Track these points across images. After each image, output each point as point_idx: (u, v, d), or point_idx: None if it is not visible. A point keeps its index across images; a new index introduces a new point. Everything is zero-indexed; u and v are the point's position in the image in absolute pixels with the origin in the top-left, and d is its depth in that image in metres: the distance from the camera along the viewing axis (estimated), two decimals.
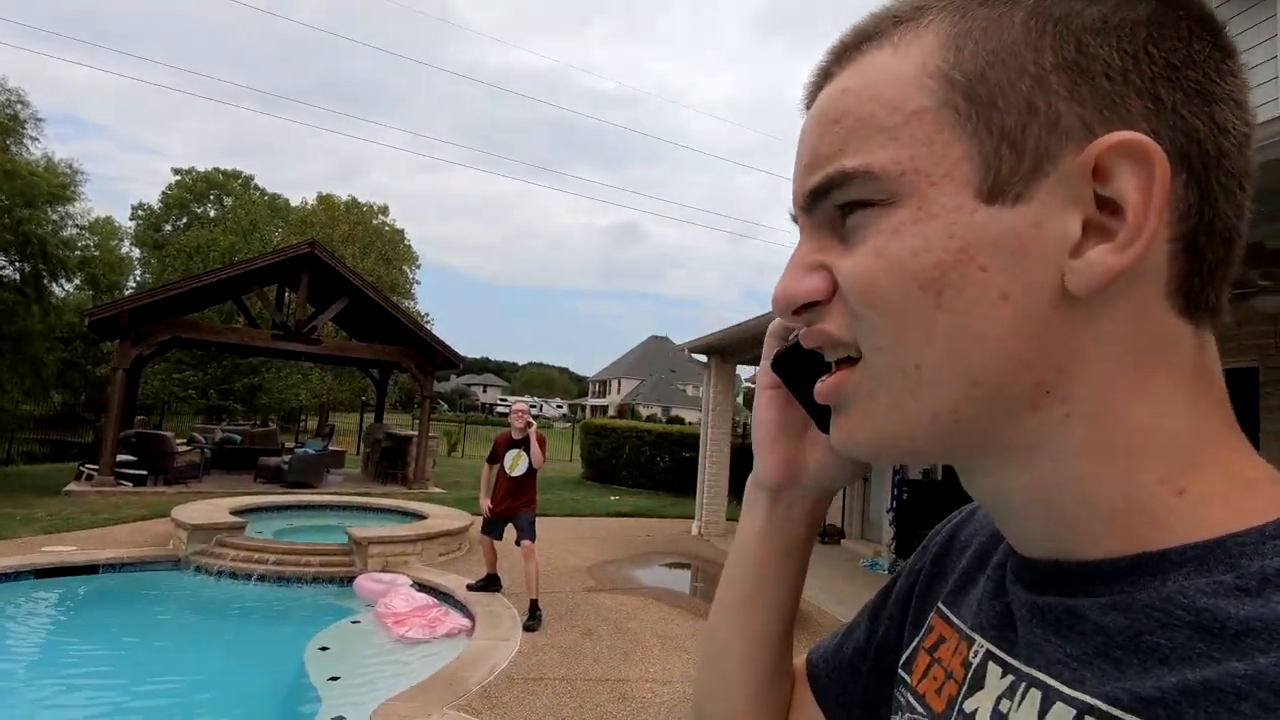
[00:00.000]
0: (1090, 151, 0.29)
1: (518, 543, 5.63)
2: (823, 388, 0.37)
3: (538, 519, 5.88)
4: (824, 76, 0.37)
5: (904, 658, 0.46)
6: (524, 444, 5.67)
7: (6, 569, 5.77)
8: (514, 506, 5.69)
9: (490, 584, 5.96)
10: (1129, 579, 0.29)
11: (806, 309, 0.36)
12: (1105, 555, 0.31)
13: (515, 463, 5.67)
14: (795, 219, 0.38)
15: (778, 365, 0.45)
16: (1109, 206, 0.29)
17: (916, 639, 0.45)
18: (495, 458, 5.82)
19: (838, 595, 6.61)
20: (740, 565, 0.51)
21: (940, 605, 0.45)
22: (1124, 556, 0.30)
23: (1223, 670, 0.25)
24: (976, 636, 0.38)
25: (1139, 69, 0.30)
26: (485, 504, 5.79)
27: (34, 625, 5.37)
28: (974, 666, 0.37)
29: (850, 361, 0.35)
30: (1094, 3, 0.30)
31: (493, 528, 5.81)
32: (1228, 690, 0.24)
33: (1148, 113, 0.29)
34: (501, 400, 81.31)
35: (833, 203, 0.34)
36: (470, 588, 5.94)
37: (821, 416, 0.42)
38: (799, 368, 0.43)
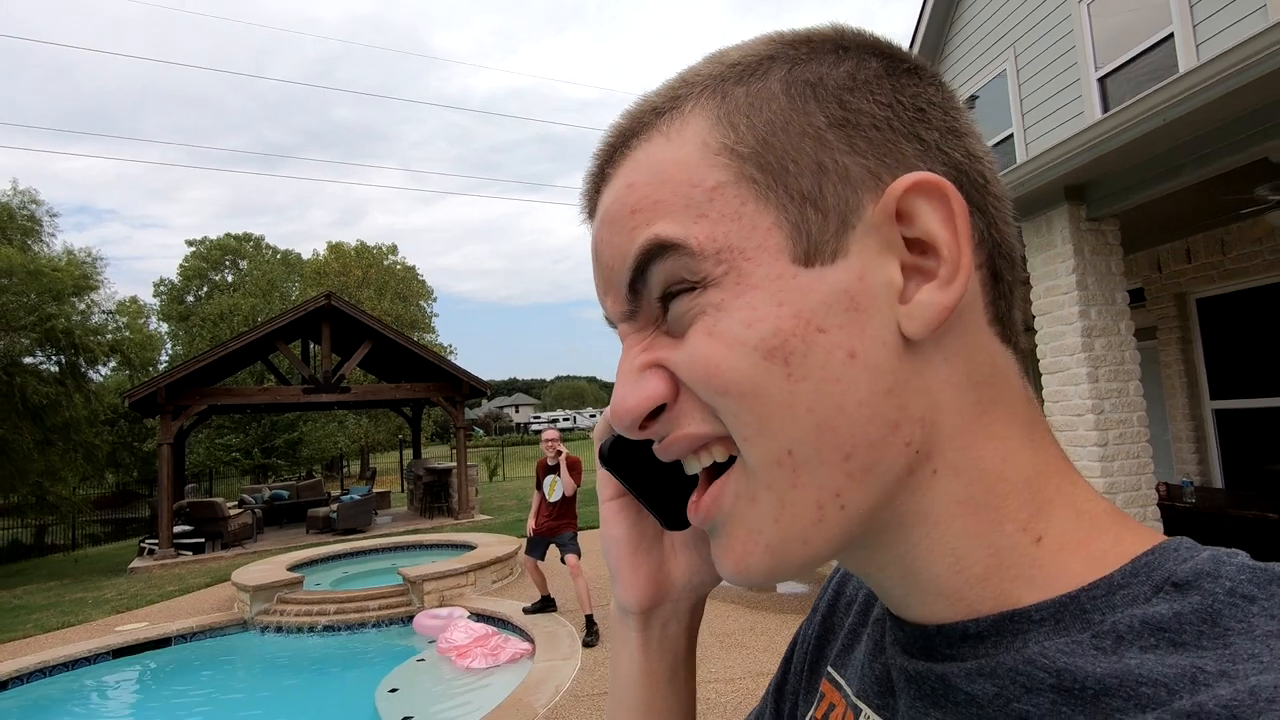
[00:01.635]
0: (889, 197, 0.30)
1: (563, 560, 5.79)
2: (700, 509, 0.33)
3: (581, 533, 6.00)
4: (599, 180, 0.36)
5: None
6: (558, 470, 5.87)
7: (86, 653, 6.00)
8: (555, 527, 5.87)
9: (545, 606, 6.04)
10: (993, 640, 0.29)
11: (653, 419, 0.33)
12: (970, 616, 0.30)
13: (552, 489, 5.88)
14: (611, 323, 0.36)
15: (610, 461, 0.38)
16: (918, 247, 0.30)
17: (811, 709, 0.44)
18: (539, 483, 6.04)
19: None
20: (625, 704, 0.45)
21: (829, 668, 0.43)
22: (986, 617, 0.30)
23: None
24: (863, 707, 0.37)
25: (897, 116, 0.31)
26: (530, 525, 5.99)
27: (117, 704, 5.58)
28: None
29: (720, 469, 0.32)
30: (836, 65, 0.32)
31: (535, 548, 5.97)
32: None
33: (919, 153, 0.31)
34: (535, 418, 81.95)
35: (653, 290, 0.32)
36: (526, 611, 6.03)
37: (668, 514, 0.38)
38: (632, 459, 0.37)
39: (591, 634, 5.35)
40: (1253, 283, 5.25)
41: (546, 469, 5.93)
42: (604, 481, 0.43)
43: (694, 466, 0.33)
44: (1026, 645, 0.28)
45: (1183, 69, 4.88)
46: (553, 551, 5.91)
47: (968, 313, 0.31)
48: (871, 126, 0.31)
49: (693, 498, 0.34)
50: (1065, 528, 0.30)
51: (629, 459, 0.38)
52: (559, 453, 5.90)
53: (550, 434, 6.05)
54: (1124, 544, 0.29)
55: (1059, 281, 4.23)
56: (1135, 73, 5.91)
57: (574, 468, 5.88)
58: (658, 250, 0.31)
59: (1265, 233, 4.81)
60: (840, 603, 0.47)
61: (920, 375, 0.30)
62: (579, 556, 5.75)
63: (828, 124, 0.31)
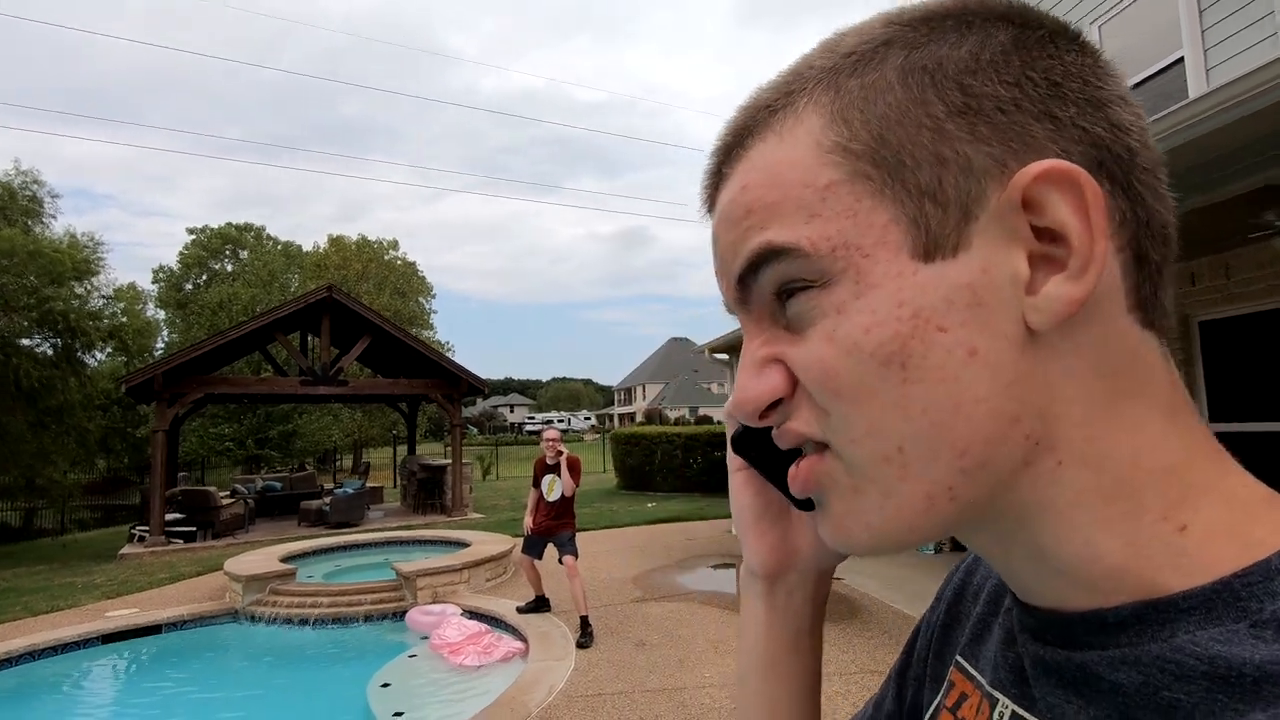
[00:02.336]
0: (1014, 188, 0.28)
1: (560, 560, 5.78)
2: (796, 480, 0.34)
3: (578, 534, 6.02)
4: (717, 178, 0.36)
5: (927, 717, 0.44)
6: (558, 469, 5.87)
7: (76, 637, 5.96)
8: (553, 526, 5.87)
9: (540, 605, 6.03)
10: (1135, 629, 0.28)
11: (772, 409, 0.33)
12: (1109, 604, 0.29)
13: (550, 488, 5.88)
14: (732, 312, 0.37)
15: (739, 447, 0.41)
16: (1048, 235, 0.29)
17: (938, 697, 0.43)
18: (536, 481, 6.02)
19: (888, 581, 6.57)
20: (750, 666, 0.47)
21: (958, 657, 0.43)
22: (1128, 605, 0.29)
23: None
24: (999, 696, 0.37)
25: (1026, 95, 0.29)
26: (528, 522, 5.98)
27: (105, 689, 5.55)
28: None
29: (817, 448, 0.33)
30: (958, 44, 0.30)
31: (532, 547, 5.97)
32: None
33: (1051, 134, 0.29)
34: (530, 419, 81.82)
35: (766, 287, 0.32)
36: (520, 610, 6.01)
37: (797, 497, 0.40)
38: (761, 446, 0.39)
39: (586, 635, 5.34)
40: (1256, 307, 5.29)
41: (545, 468, 5.93)
42: (732, 454, 0.44)
43: (809, 450, 0.34)
44: (1175, 634, 0.27)
45: (1193, 94, 4.93)
46: (550, 552, 5.90)
47: (1104, 301, 0.29)
48: (996, 110, 0.29)
49: (793, 467, 0.35)
50: (1214, 515, 0.29)
51: (757, 443, 0.39)
52: (560, 453, 5.89)
53: (551, 433, 6.05)
54: None
55: None
56: (1144, 95, 5.96)
57: (574, 468, 5.87)
58: (770, 255, 0.31)
59: (1271, 258, 4.85)
60: (968, 591, 0.46)
61: (1044, 367, 0.29)
62: (576, 557, 5.74)
63: (947, 113, 0.29)
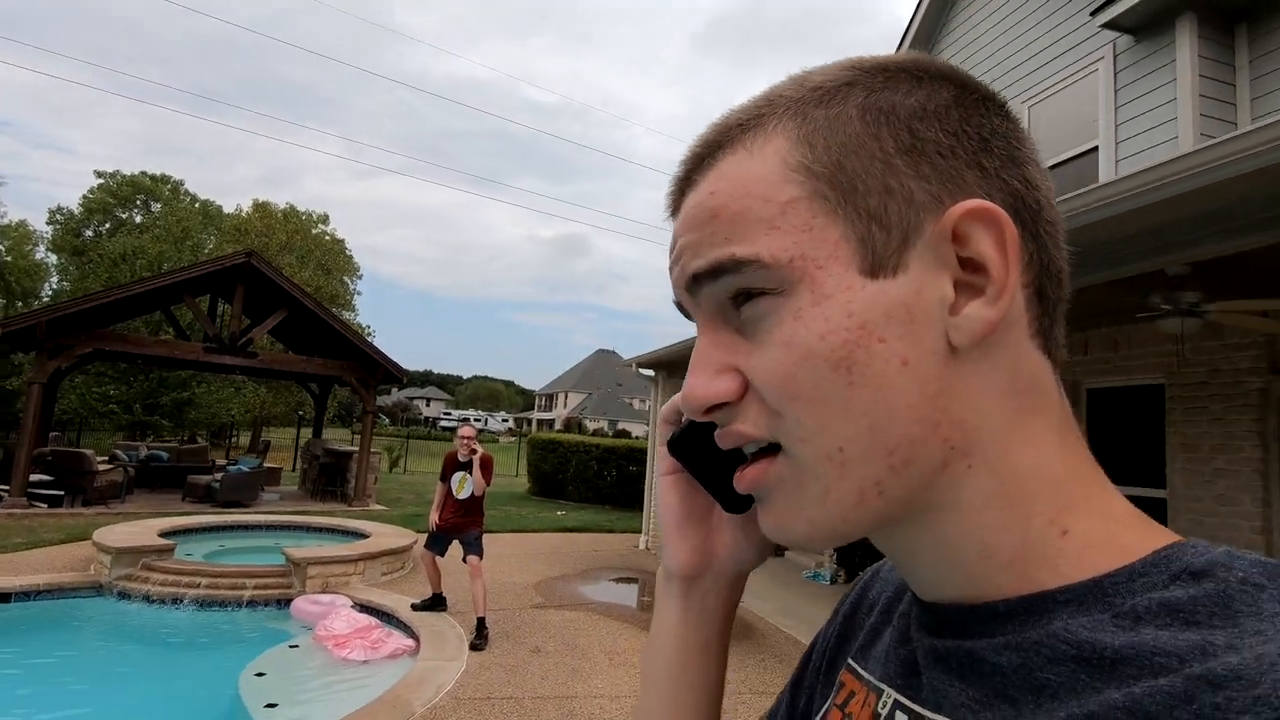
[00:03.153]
0: (947, 220, 0.33)
1: (464, 559, 5.65)
2: (744, 479, 0.37)
3: (485, 535, 5.90)
4: (685, 184, 0.39)
5: (818, 718, 0.47)
6: (469, 467, 5.77)
7: None
8: (460, 524, 5.74)
9: (436, 604, 5.87)
10: (1020, 618, 0.32)
11: (718, 408, 0.36)
12: (999, 597, 0.33)
13: (461, 485, 5.76)
14: (680, 308, 0.40)
15: (675, 449, 0.44)
16: (970, 265, 0.33)
17: (829, 698, 0.46)
18: (445, 476, 5.88)
19: (783, 607, 6.75)
20: (659, 667, 0.49)
21: (849, 660, 0.46)
22: (1015, 598, 0.33)
23: (1102, 700, 0.27)
24: (884, 687, 0.40)
25: (962, 144, 0.34)
26: (434, 518, 5.84)
27: None
28: (882, 717, 0.39)
29: (767, 452, 0.36)
30: (909, 94, 0.35)
31: (436, 543, 5.83)
32: None
33: (979, 180, 0.34)
34: (446, 414, 79.75)
35: (722, 290, 0.35)
36: (415, 607, 5.84)
37: (728, 498, 0.42)
38: (697, 449, 0.42)
39: (481, 637, 5.23)
40: (1136, 380, 5.78)
41: (457, 464, 5.81)
42: (663, 457, 0.46)
43: (749, 449, 0.37)
44: (1050, 622, 0.31)
45: (1103, 178, 5.38)
46: (453, 550, 5.76)
47: (1012, 326, 0.34)
48: (937, 154, 0.34)
49: (740, 469, 0.37)
50: (1092, 524, 0.33)
51: (694, 448, 0.42)
52: (474, 450, 5.81)
53: (467, 430, 5.96)
54: (1146, 541, 0.32)
55: None
56: (1060, 177, 6.45)
57: (486, 467, 5.79)
58: (731, 266, 0.34)
59: (1154, 337, 5.32)
60: (863, 606, 0.50)
61: (964, 381, 0.33)
62: (481, 557, 5.64)
63: (897, 150, 0.34)
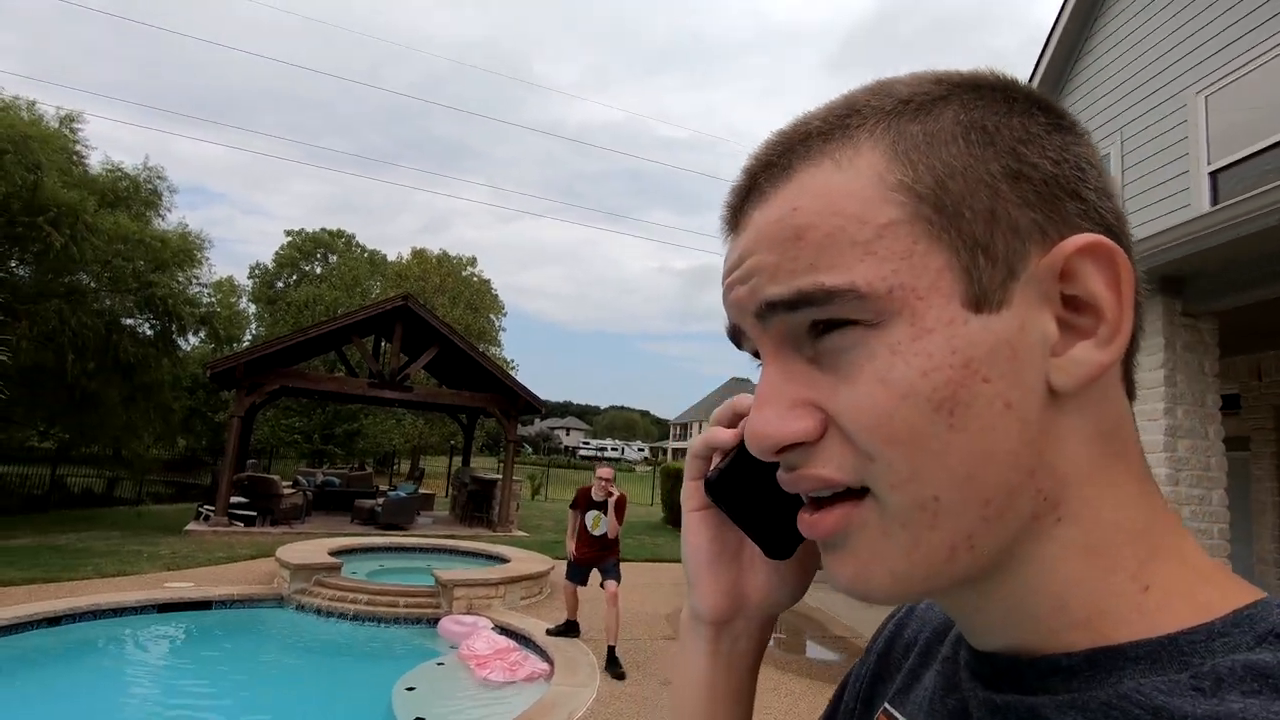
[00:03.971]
0: (1058, 254, 0.30)
1: (602, 584, 5.76)
2: (822, 526, 0.33)
3: (623, 564, 6.07)
4: (751, 194, 0.35)
5: None
6: (604, 507, 5.87)
7: (135, 603, 6.29)
8: (597, 557, 5.90)
9: (569, 630, 6.01)
10: (1086, 675, 0.29)
11: (790, 449, 0.33)
12: (1062, 649, 0.31)
13: (595, 524, 5.86)
14: (733, 334, 0.37)
15: (714, 490, 0.40)
16: (1073, 303, 0.31)
17: None
18: (577, 505, 6.01)
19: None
20: (688, 711, 0.46)
21: (886, 704, 0.43)
22: (1079, 651, 0.30)
23: None
24: None
25: (1064, 173, 0.31)
26: (571, 547, 6.00)
27: (155, 656, 5.81)
28: None
29: (847, 496, 0.32)
30: (1008, 114, 0.32)
31: (576, 574, 5.99)
32: None
33: (1079, 212, 0.31)
34: (585, 444, 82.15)
35: (800, 319, 0.32)
36: (550, 632, 6.00)
37: (771, 543, 0.39)
38: (739, 490, 0.38)
39: (614, 665, 5.28)
40: None
41: (590, 502, 5.94)
42: (691, 492, 0.44)
43: (821, 493, 0.33)
44: (1121, 682, 0.28)
45: None
46: (593, 577, 5.94)
47: (1111, 368, 0.31)
48: (1042, 181, 0.31)
49: (805, 512, 0.34)
50: (1173, 577, 0.30)
51: (736, 488, 0.39)
52: (610, 493, 5.88)
53: (605, 471, 6.03)
54: (1230, 597, 0.29)
55: (1144, 376, 4.04)
56: (1249, 171, 5.65)
57: (620, 508, 5.88)
58: (821, 297, 0.31)
59: None
60: (898, 645, 0.46)
61: (1057, 425, 0.30)
62: (618, 582, 5.77)
63: (1002, 174, 0.31)
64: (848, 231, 0.31)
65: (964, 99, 0.32)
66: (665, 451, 72.81)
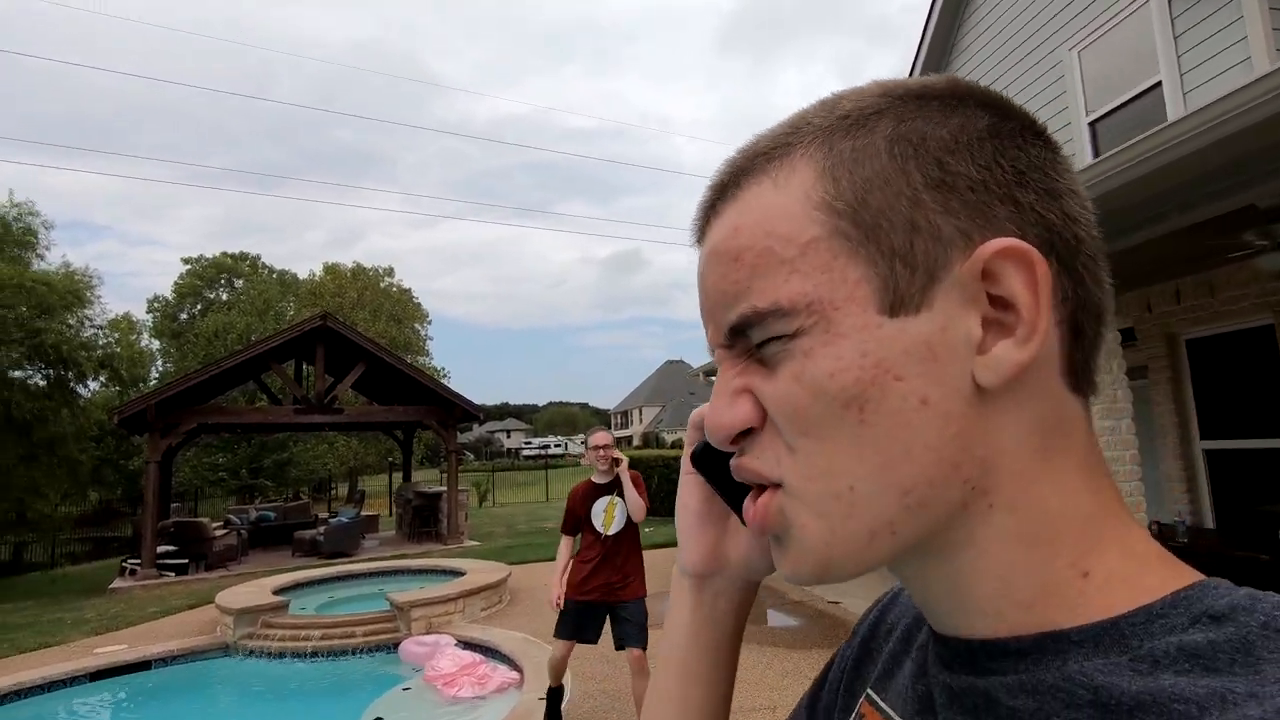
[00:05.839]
0: (977, 259, 0.31)
1: (620, 646, 3.93)
2: (751, 516, 0.36)
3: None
4: (710, 212, 0.38)
5: None
6: (614, 487, 3.95)
7: (61, 675, 5.85)
8: (616, 584, 3.89)
9: (553, 702, 4.17)
10: (1034, 658, 0.31)
11: (742, 437, 0.36)
12: (1011, 634, 0.32)
13: (609, 516, 3.90)
14: (712, 353, 0.39)
15: (697, 461, 0.44)
16: (1001, 303, 0.32)
17: None
18: (572, 524, 4.03)
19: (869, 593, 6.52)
20: (671, 662, 0.50)
21: (869, 690, 0.45)
22: (1028, 635, 0.32)
23: None
24: None
25: (994, 178, 0.33)
26: (556, 592, 3.96)
27: None
28: None
29: (776, 485, 0.35)
30: (941, 124, 0.33)
31: (571, 625, 3.92)
32: None
33: (1011, 215, 0.32)
34: (526, 444, 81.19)
35: (750, 340, 0.35)
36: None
37: (742, 510, 0.41)
38: (719, 466, 0.41)
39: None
40: (1241, 325, 5.34)
41: (594, 491, 3.95)
42: (686, 461, 0.47)
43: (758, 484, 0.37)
44: (1066, 664, 0.30)
45: (1171, 117, 5.03)
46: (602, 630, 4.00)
47: (1042, 365, 0.32)
48: (968, 189, 0.32)
49: (746, 502, 0.37)
50: (1113, 565, 0.32)
51: (716, 463, 0.42)
52: (616, 460, 3.92)
53: (600, 436, 4.05)
54: (1168, 581, 0.31)
55: None
56: (1124, 119, 6.07)
57: (639, 483, 3.96)
58: (755, 319, 0.34)
59: (1252, 277, 4.91)
60: (881, 629, 0.49)
61: (987, 420, 0.32)
62: (645, 647, 3.77)
63: (925, 184, 0.32)
64: (776, 252, 0.33)
65: (901, 111, 0.34)
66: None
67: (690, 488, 0.48)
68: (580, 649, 4.23)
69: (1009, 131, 0.34)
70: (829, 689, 0.51)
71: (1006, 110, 0.35)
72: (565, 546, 4.06)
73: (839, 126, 0.34)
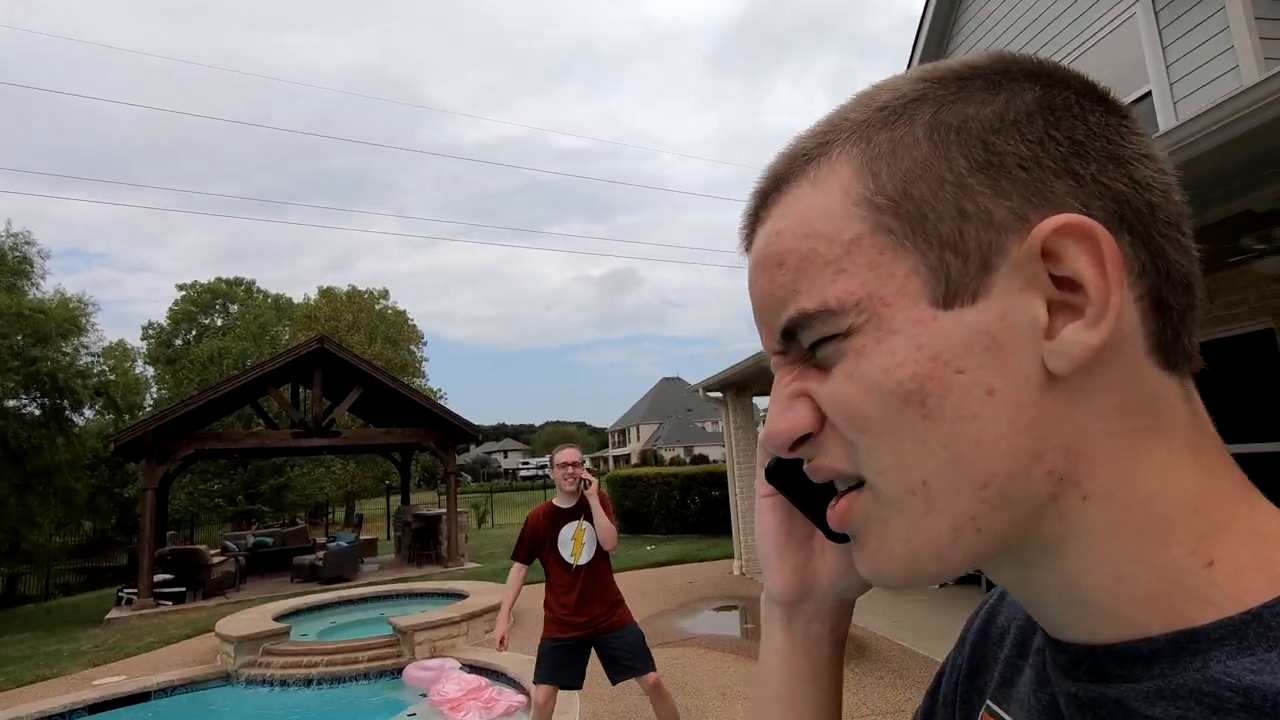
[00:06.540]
0: (1033, 239, 0.30)
1: (615, 680, 3.63)
2: (833, 517, 0.35)
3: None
4: (754, 220, 0.38)
5: None
6: (580, 512, 3.63)
7: (60, 708, 5.74)
8: (602, 617, 3.57)
9: None
10: (1169, 660, 0.29)
11: (802, 443, 0.35)
12: (1139, 635, 0.30)
13: (578, 544, 3.57)
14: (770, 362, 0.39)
15: (772, 476, 0.42)
16: (1067, 284, 0.30)
17: None
18: (528, 551, 3.63)
19: (894, 618, 6.47)
20: (769, 696, 0.47)
21: (989, 702, 0.42)
22: (1159, 636, 0.29)
23: None
24: None
25: (1049, 153, 0.31)
26: (502, 629, 3.64)
27: None
28: None
29: (856, 487, 0.34)
30: (984, 104, 0.32)
31: (563, 667, 3.52)
32: None
33: (1071, 190, 0.30)
34: (524, 464, 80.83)
35: (802, 343, 0.34)
36: None
37: (829, 526, 0.40)
38: (794, 477, 0.40)
39: None
40: (1239, 329, 5.37)
41: (557, 518, 3.60)
42: (762, 480, 0.45)
43: (842, 486, 0.36)
44: (1208, 665, 0.27)
45: (1162, 126, 5.09)
46: (596, 669, 3.64)
47: (1124, 345, 0.30)
48: (1018, 167, 0.31)
49: (830, 504, 0.36)
50: (1241, 549, 0.29)
51: (792, 474, 0.40)
52: (586, 481, 3.60)
53: (567, 454, 3.65)
54: None
55: None
56: None
57: (606, 503, 3.65)
58: (803, 321, 0.33)
59: (1250, 281, 4.95)
60: (991, 634, 0.46)
61: (1067, 407, 0.30)
62: (655, 669, 3.57)
63: (970, 168, 0.31)
64: (820, 252, 0.33)
65: (940, 95, 0.33)
66: (607, 460, 72.64)
67: (768, 510, 0.45)
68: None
69: (1062, 101, 0.32)
70: (943, 702, 0.49)
71: (1058, 78, 0.33)
72: (517, 576, 3.66)
73: (876, 119, 0.33)
